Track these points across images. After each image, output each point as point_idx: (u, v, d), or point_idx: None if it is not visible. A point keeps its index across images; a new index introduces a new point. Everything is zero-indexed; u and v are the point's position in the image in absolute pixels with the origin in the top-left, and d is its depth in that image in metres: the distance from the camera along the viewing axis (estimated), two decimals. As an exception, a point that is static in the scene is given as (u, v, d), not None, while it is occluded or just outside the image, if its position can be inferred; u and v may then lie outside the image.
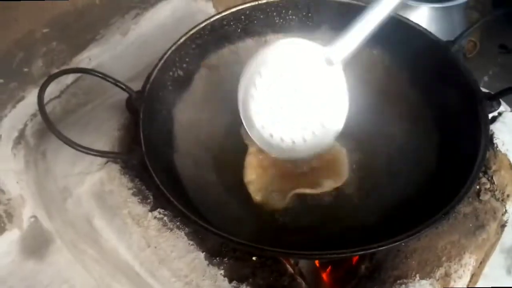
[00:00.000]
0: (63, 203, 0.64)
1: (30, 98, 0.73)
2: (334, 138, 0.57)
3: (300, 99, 0.54)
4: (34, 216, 0.74)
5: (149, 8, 0.86)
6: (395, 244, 0.45)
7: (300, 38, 0.54)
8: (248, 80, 0.55)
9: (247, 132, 0.66)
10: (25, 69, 0.71)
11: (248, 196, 0.62)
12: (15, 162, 0.73)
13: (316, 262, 0.63)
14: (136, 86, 0.58)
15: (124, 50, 0.82)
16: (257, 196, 0.61)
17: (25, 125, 0.74)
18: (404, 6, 0.99)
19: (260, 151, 0.66)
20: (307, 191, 0.61)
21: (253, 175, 0.63)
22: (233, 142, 0.68)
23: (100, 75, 0.54)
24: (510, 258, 0.82)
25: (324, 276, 0.63)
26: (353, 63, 0.68)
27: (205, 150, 0.65)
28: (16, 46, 0.68)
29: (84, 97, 0.78)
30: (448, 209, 0.47)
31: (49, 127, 0.48)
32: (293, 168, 0.65)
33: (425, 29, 0.61)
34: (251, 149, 0.66)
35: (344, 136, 0.68)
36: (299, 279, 0.55)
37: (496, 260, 0.72)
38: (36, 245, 0.73)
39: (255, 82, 0.55)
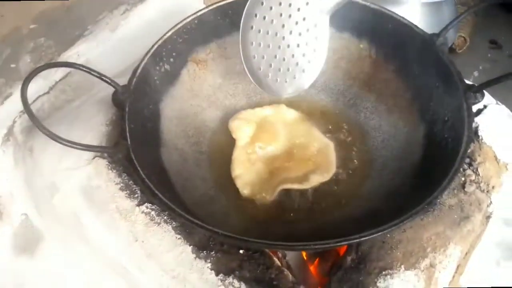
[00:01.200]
0: (51, 199, 0.64)
1: (18, 95, 0.72)
2: (308, 86, 0.63)
3: (291, 43, 0.59)
4: (25, 214, 0.73)
5: (138, 4, 0.86)
6: (378, 234, 0.45)
7: None
8: (247, 26, 0.59)
9: (235, 125, 0.67)
10: (12, 65, 0.71)
11: (236, 190, 0.62)
12: (4, 159, 0.73)
13: (304, 254, 0.63)
14: (126, 80, 0.58)
15: (113, 45, 0.82)
16: (245, 190, 0.62)
17: (14, 121, 0.73)
18: (395, 1, 0.99)
19: (248, 146, 0.66)
20: (295, 186, 0.62)
21: (240, 170, 0.64)
22: (222, 137, 0.68)
23: (85, 69, 0.54)
24: (500, 251, 0.83)
25: (312, 268, 0.63)
26: (340, 56, 0.69)
27: (192, 145, 0.65)
28: (3, 42, 0.67)
29: (72, 93, 0.77)
30: (430, 200, 0.47)
31: (33, 120, 0.48)
32: (280, 163, 0.65)
33: (411, 23, 0.62)
34: (239, 143, 0.66)
35: (333, 128, 0.68)
36: (286, 271, 0.55)
37: (485, 252, 0.72)
38: (27, 242, 0.73)
39: (253, 26, 0.59)
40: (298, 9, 0.56)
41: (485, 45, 1.32)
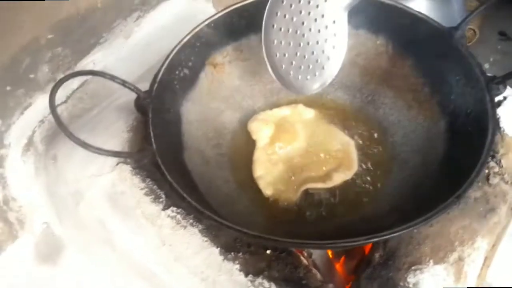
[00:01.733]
0: (76, 206, 0.64)
1: (38, 105, 0.73)
2: (329, 82, 0.62)
3: (311, 40, 0.59)
4: (46, 222, 0.74)
5: (150, 10, 0.87)
6: (406, 230, 0.45)
7: None
8: (268, 25, 0.60)
9: (254, 127, 0.67)
10: (31, 76, 0.71)
11: (258, 191, 0.62)
12: (25, 168, 0.73)
13: (330, 253, 0.63)
14: (141, 87, 0.59)
15: (128, 52, 0.83)
16: (267, 191, 0.62)
17: (34, 131, 0.74)
18: (403, -5, 0.99)
19: (268, 146, 0.66)
20: (319, 185, 0.62)
21: (262, 170, 0.64)
22: (241, 138, 0.68)
23: (109, 76, 0.55)
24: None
25: (338, 266, 0.63)
26: (357, 53, 0.69)
27: (213, 147, 0.66)
28: (22, 53, 0.68)
29: (90, 101, 0.78)
30: (459, 193, 0.47)
31: (63, 129, 0.48)
32: (301, 162, 0.65)
33: (428, 17, 0.62)
34: (259, 145, 0.66)
35: (352, 125, 0.68)
36: (314, 270, 0.55)
37: (510, 243, 0.72)
38: (49, 250, 0.73)
39: (275, 25, 0.60)
40: (317, 6, 0.57)
41: (495, 37, 1.31)
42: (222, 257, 0.56)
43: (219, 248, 0.56)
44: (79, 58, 0.78)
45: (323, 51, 0.59)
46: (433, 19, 0.61)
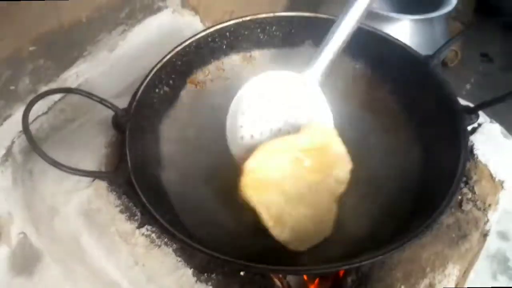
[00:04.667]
0: (51, 221, 0.64)
1: (17, 116, 0.73)
2: None
3: (288, 123, 0.59)
4: (23, 233, 0.73)
5: (136, 24, 0.87)
6: (378, 258, 0.46)
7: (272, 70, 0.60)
8: (234, 119, 0.60)
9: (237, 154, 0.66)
10: (12, 87, 0.71)
11: (237, 212, 0.62)
12: (3, 179, 0.73)
13: (305, 276, 0.64)
14: (125, 101, 0.59)
15: (112, 66, 0.83)
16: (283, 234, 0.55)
17: (13, 142, 0.74)
18: (385, 18, 1.01)
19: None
20: None
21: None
22: (222, 158, 0.68)
23: (84, 93, 0.55)
24: (496, 264, 0.83)
25: (312, 288, 0.63)
26: (336, 77, 0.70)
27: (193, 167, 0.65)
28: (3, 64, 0.68)
29: (72, 113, 0.78)
30: (429, 223, 0.48)
31: (34, 148, 0.48)
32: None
33: (405, 44, 0.63)
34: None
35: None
36: (287, 293, 0.55)
37: (482, 265, 0.73)
38: (25, 262, 0.72)
39: (240, 122, 0.60)
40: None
41: (477, 58, 1.34)
42: (195, 278, 0.56)
43: (192, 269, 0.56)
44: (61, 70, 0.77)
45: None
46: (409, 47, 0.62)
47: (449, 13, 1.10)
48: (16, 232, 0.72)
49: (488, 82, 1.25)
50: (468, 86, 1.25)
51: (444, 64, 1.27)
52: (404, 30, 1.03)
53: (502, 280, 0.78)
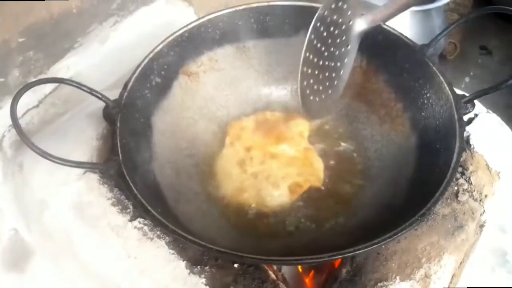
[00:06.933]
0: (41, 215, 0.63)
1: (7, 109, 0.70)
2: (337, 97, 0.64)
3: (329, 61, 0.60)
4: (14, 229, 0.72)
5: (128, 15, 0.85)
6: (372, 247, 0.45)
7: None
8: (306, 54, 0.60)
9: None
10: (1, 79, 0.69)
11: (228, 204, 0.61)
12: (-8, 173, 0.72)
13: (299, 267, 0.63)
14: (116, 93, 0.58)
15: (103, 58, 0.81)
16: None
17: (3, 135, 0.72)
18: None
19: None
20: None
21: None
22: (214, 149, 0.68)
23: (75, 84, 0.53)
24: (494, 257, 0.83)
25: (307, 280, 0.62)
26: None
27: (185, 158, 0.65)
28: (-9, 56, 0.67)
29: (62, 106, 0.77)
30: (423, 212, 0.47)
31: (23, 138, 0.47)
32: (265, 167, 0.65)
33: (400, 33, 0.62)
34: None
35: (325, 137, 0.68)
36: (282, 285, 0.55)
37: (481, 259, 0.73)
38: (17, 257, 0.71)
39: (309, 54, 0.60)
40: (340, 33, 0.58)
41: (476, 51, 1.33)
42: (188, 271, 0.55)
43: (185, 261, 0.55)
44: (52, 62, 0.76)
45: (335, 70, 0.60)
46: (405, 36, 0.61)
47: (448, 4, 1.08)
48: (7, 228, 0.71)
49: (487, 75, 1.24)
50: (467, 79, 1.25)
51: (443, 57, 1.26)
52: (402, 21, 1.02)
53: (501, 273, 0.78)
